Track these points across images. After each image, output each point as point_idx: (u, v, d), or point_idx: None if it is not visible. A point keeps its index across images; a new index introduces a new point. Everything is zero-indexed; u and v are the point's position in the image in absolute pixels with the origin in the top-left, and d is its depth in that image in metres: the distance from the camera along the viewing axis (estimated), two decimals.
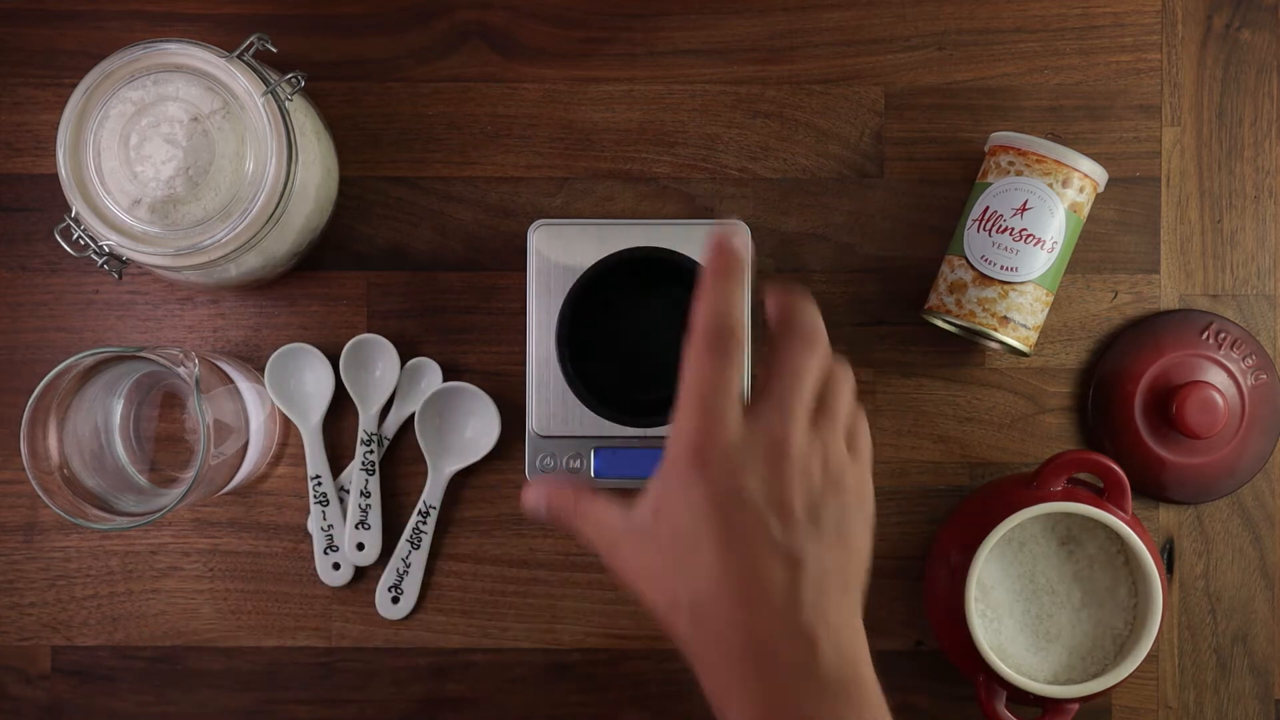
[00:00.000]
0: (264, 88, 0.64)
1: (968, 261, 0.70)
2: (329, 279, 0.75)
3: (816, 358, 0.50)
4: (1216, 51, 0.76)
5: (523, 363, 0.75)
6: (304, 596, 0.75)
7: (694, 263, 0.69)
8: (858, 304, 0.75)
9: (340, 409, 0.75)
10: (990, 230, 0.70)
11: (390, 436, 0.75)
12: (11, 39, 0.75)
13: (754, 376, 0.75)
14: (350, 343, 0.74)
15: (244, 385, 0.71)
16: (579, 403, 0.70)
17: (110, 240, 0.64)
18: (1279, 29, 0.76)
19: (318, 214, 0.72)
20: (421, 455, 0.74)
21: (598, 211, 0.75)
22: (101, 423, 0.71)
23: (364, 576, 0.75)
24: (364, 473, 0.74)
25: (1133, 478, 0.70)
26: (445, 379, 0.75)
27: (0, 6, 0.75)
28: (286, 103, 0.65)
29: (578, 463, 0.73)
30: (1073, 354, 0.76)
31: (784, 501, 0.47)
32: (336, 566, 0.74)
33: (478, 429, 0.75)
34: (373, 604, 0.75)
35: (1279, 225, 0.76)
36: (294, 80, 0.66)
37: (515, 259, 0.75)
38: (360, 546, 0.74)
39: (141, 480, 0.73)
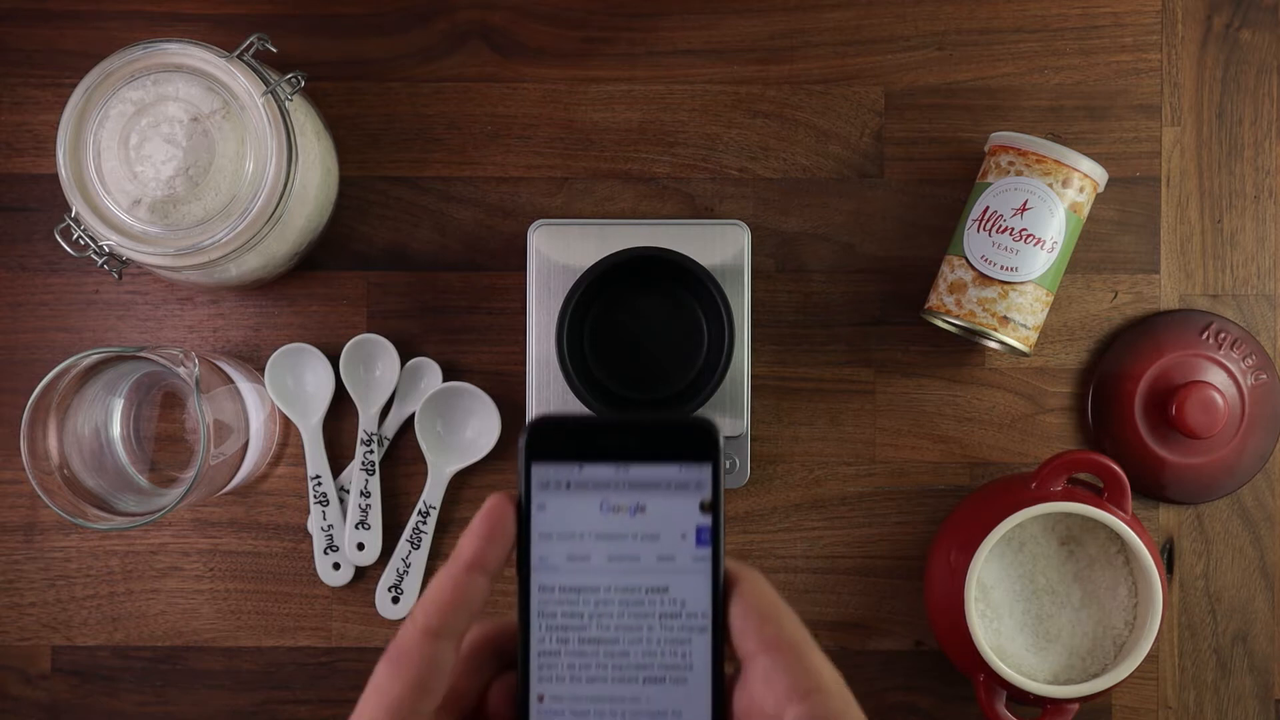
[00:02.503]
0: (264, 88, 0.64)
1: (968, 261, 0.70)
2: (329, 279, 0.75)
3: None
4: (1216, 51, 0.76)
5: (523, 363, 0.75)
6: (304, 596, 0.75)
7: (694, 263, 0.69)
8: (858, 304, 0.75)
9: (340, 409, 0.75)
10: (990, 230, 0.70)
11: (390, 436, 0.75)
12: (12, 39, 0.75)
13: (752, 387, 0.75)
14: (350, 343, 0.74)
15: (244, 385, 0.71)
16: (579, 403, 0.70)
17: (110, 240, 0.64)
18: (1279, 29, 0.76)
19: (318, 214, 0.71)
20: (421, 455, 0.74)
21: (598, 211, 0.75)
22: (101, 423, 0.71)
23: (364, 576, 0.75)
24: (364, 473, 0.74)
25: (1133, 478, 0.70)
26: (445, 379, 0.75)
27: (0, 6, 0.75)
28: (286, 103, 0.65)
29: None
30: (1073, 354, 0.76)
31: None
32: (336, 566, 0.74)
33: (478, 429, 0.75)
34: (373, 604, 0.75)
35: (1279, 225, 0.76)
36: (294, 80, 0.66)
37: (515, 259, 0.75)
38: (360, 546, 0.74)
39: (141, 480, 0.73)
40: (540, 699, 0.41)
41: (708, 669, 0.41)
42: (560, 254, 0.73)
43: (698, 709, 0.40)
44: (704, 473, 0.41)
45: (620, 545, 0.41)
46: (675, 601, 0.41)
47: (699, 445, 0.41)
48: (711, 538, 0.41)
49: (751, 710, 0.39)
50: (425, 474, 0.74)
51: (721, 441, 0.41)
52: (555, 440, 0.41)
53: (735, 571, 0.42)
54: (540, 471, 0.41)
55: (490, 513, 0.41)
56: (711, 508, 0.41)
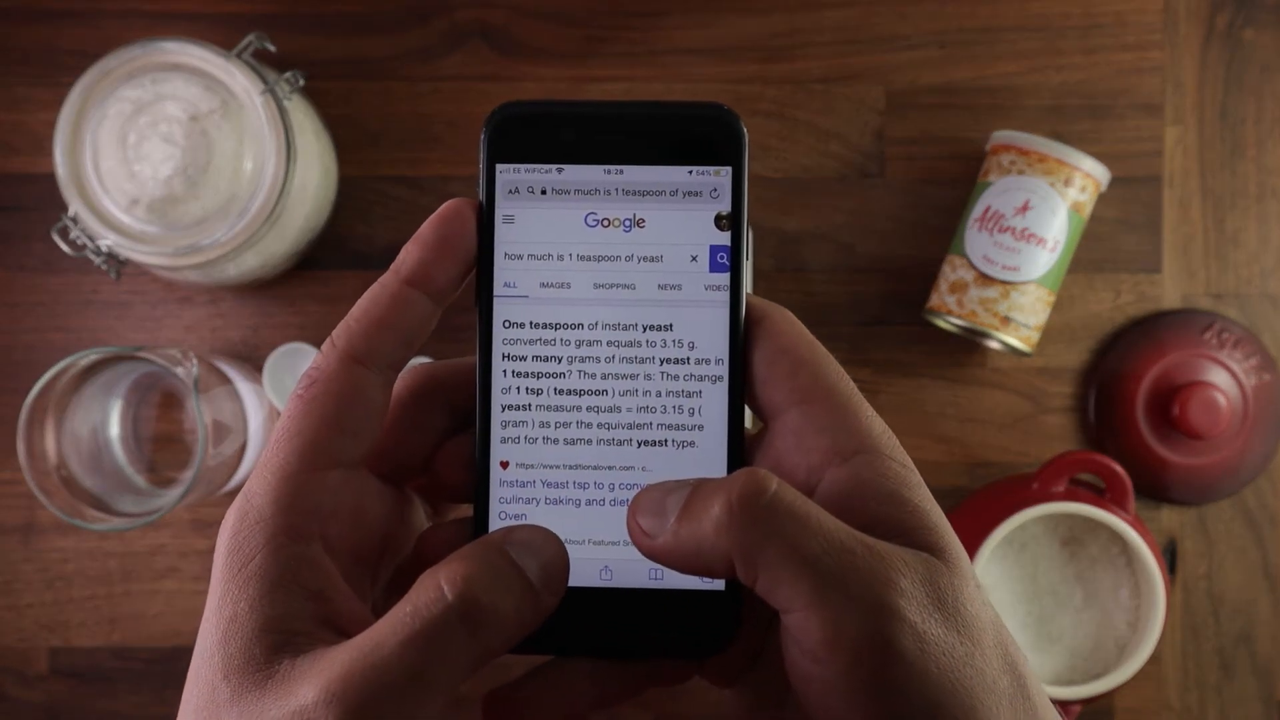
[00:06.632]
0: (262, 86, 0.64)
1: (969, 261, 0.70)
2: (328, 278, 0.75)
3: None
4: (1219, 50, 0.75)
5: None
6: None
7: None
8: (858, 304, 0.75)
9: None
10: (992, 230, 0.70)
11: None
12: (9, 37, 0.75)
13: None
14: None
15: (242, 385, 0.71)
16: None
17: (108, 240, 0.64)
18: None
19: (316, 213, 0.71)
20: None
21: None
22: (99, 423, 0.71)
23: None
24: None
25: (1135, 478, 0.70)
26: None
27: None
28: (285, 102, 0.65)
29: None
30: (1074, 354, 0.75)
31: None
32: None
33: None
34: None
35: None
36: (292, 79, 0.66)
37: None
38: None
39: (140, 481, 0.72)
40: (504, 465, 0.32)
41: (722, 429, 0.32)
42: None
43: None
44: (722, 177, 0.32)
45: (611, 270, 0.32)
46: (682, 344, 0.32)
47: (716, 140, 0.32)
48: (730, 261, 0.32)
49: (778, 476, 0.29)
50: None
51: (745, 136, 0.32)
52: (528, 132, 0.32)
53: (760, 307, 0.32)
54: (508, 174, 0.32)
55: (444, 217, 0.33)
56: (731, 222, 0.32)
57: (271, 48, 0.66)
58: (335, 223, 0.75)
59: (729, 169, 0.32)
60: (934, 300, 0.72)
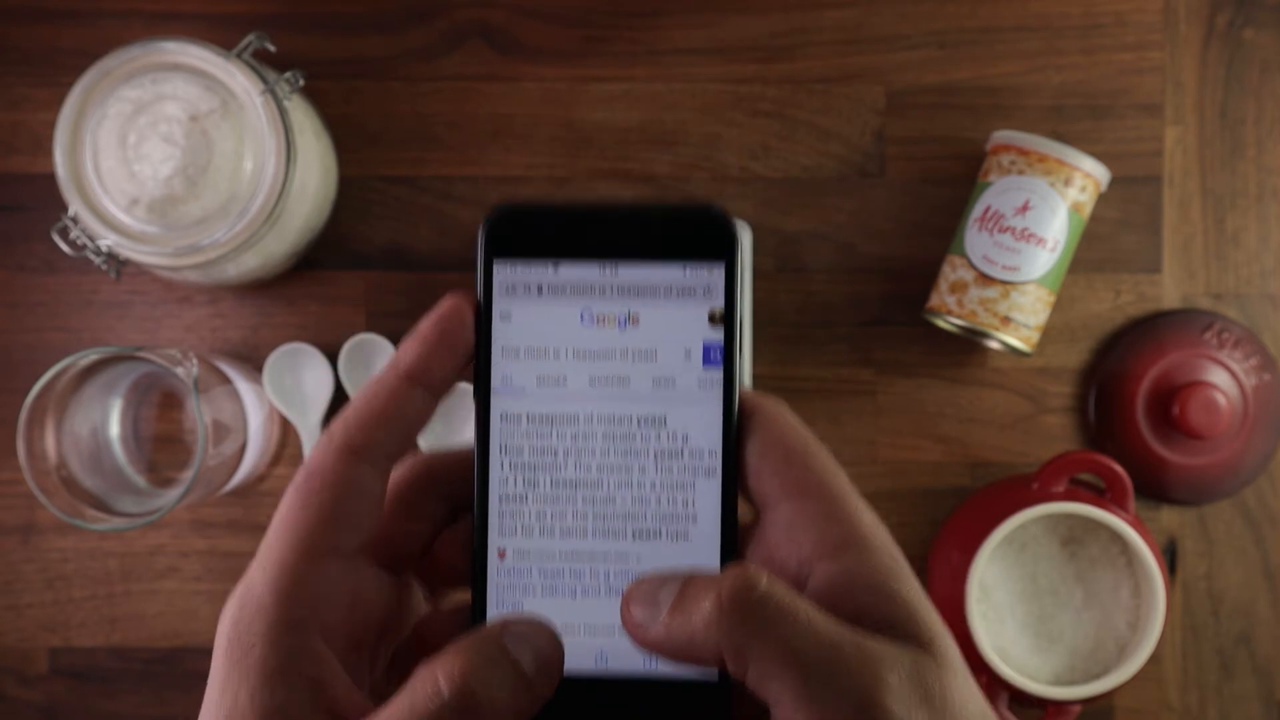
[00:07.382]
0: (262, 86, 0.64)
1: (969, 261, 0.70)
2: (328, 279, 0.75)
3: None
4: (1219, 50, 0.75)
5: None
6: None
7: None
8: (858, 304, 0.75)
9: (339, 409, 0.75)
10: (992, 230, 0.70)
11: None
12: (9, 37, 0.75)
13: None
14: (349, 342, 0.74)
15: (242, 385, 0.71)
16: None
17: (108, 240, 0.64)
18: None
19: (316, 213, 0.71)
20: None
21: None
22: (99, 423, 0.71)
23: None
24: None
25: (1135, 478, 0.70)
26: None
27: None
28: (285, 102, 0.65)
29: None
30: (1074, 354, 0.75)
31: None
32: None
33: None
34: None
35: None
36: (292, 79, 0.66)
37: None
38: None
39: (139, 481, 0.72)
40: (501, 555, 0.33)
41: (716, 521, 0.33)
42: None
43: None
44: (714, 274, 0.33)
45: (606, 365, 0.33)
46: (675, 436, 0.33)
47: (707, 238, 0.33)
48: (723, 357, 0.33)
49: (769, 568, 0.30)
50: None
51: (738, 234, 0.33)
52: (525, 232, 0.33)
53: (752, 401, 0.33)
54: (505, 271, 0.33)
55: (443, 315, 0.33)
56: (724, 319, 0.33)
57: (271, 48, 0.66)
58: (335, 223, 0.75)
59: (721, 265, 0.33)
60: (934, 300, 0.72)
